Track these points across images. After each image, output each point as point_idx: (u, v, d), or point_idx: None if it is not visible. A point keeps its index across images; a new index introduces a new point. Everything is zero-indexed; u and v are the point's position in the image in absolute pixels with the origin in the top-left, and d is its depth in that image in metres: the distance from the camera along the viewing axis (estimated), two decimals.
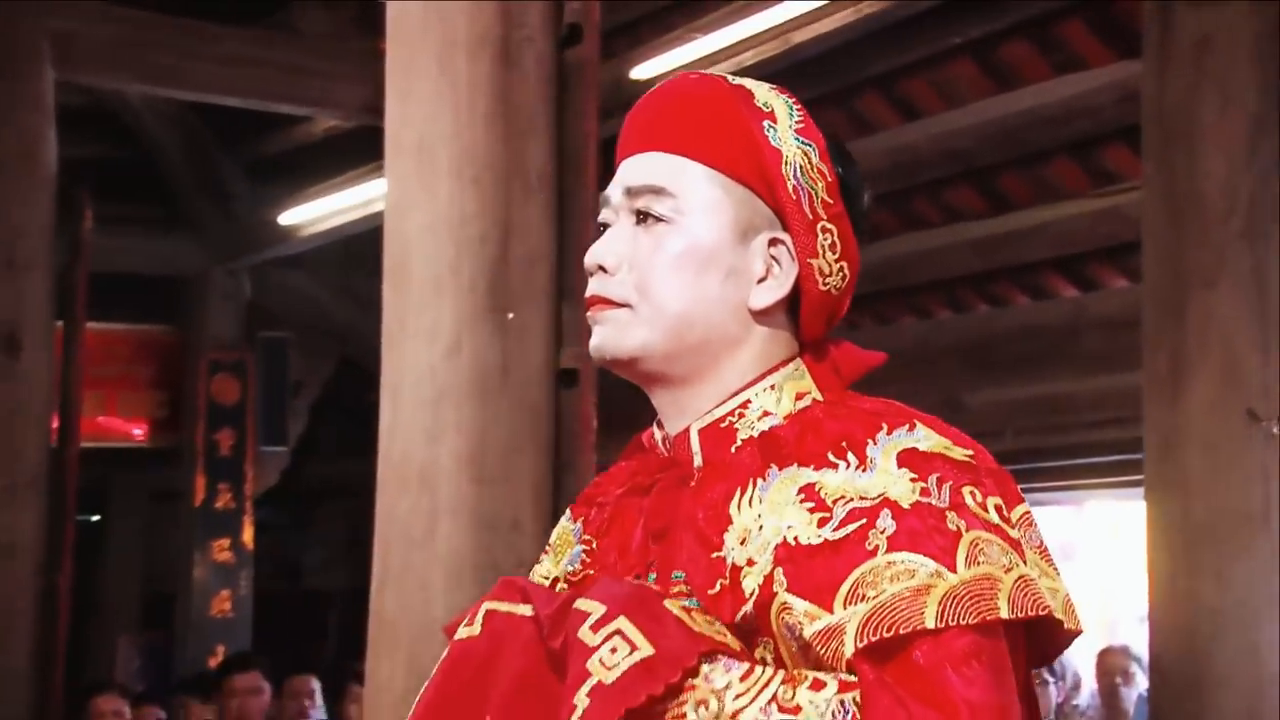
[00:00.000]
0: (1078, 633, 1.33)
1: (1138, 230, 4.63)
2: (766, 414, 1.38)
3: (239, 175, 8.73)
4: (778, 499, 1.31)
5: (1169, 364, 4.20)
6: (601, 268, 1.39)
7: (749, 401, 1.38)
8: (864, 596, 1.22)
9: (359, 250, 7.65)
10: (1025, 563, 1.26)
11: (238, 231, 8.74)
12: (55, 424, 6.25)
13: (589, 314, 1.41)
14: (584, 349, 3.25)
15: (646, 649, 1.22)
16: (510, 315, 3.02)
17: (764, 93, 1.42)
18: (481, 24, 3.07)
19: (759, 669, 1.23)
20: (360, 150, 6.70)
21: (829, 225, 1.40)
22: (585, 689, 1.21)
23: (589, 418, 3.15)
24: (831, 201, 1.40)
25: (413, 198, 3.11)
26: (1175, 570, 4.12)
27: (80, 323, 6.77)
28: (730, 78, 1.44)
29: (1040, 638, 1.32)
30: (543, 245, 3.11)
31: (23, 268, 5.82)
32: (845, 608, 1.22)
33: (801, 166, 1.39)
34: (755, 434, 1.36)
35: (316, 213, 7.99)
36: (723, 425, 1.38)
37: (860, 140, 6.20)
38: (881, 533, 1.24)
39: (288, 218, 8.19)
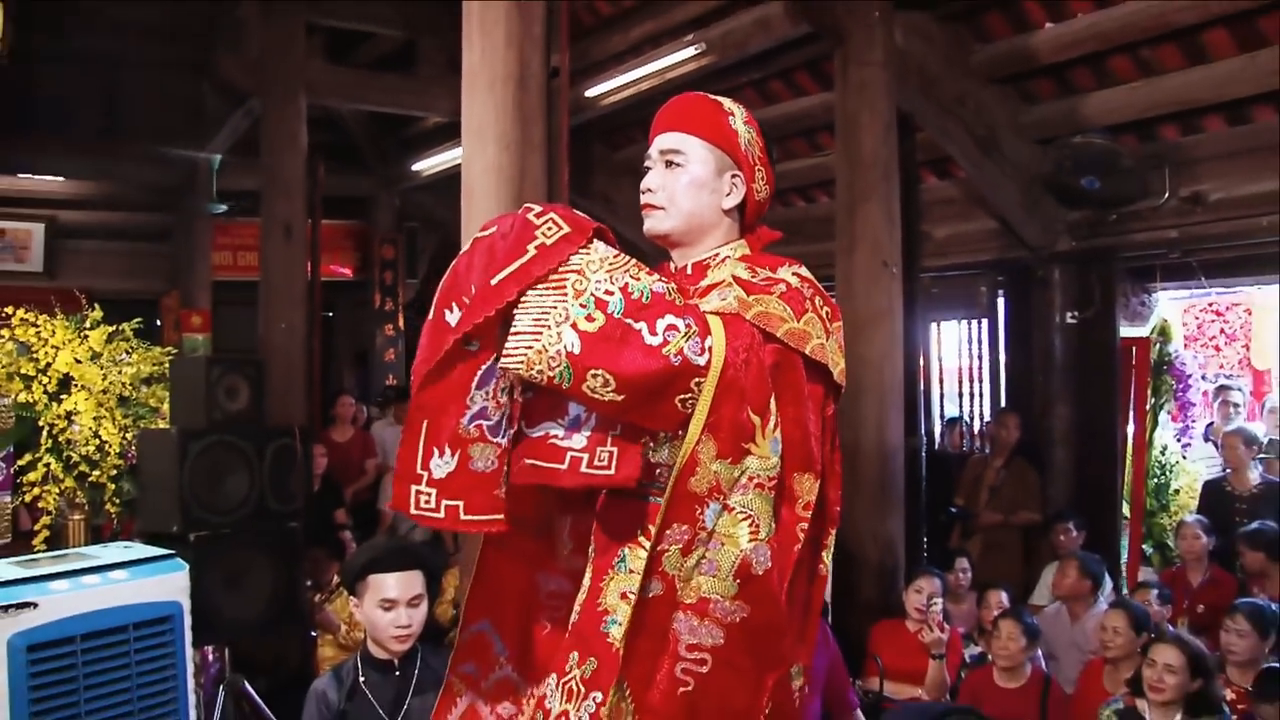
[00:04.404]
0: (841, 388, 1.43)
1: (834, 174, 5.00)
2: (725, 259, 1.48)
3: (395, 144, 9.12)
4: (730, 264, 1.44)
5: (847, 241, 4.77)
6: (649, 189, 1.45)
7: (718, 253, 1.48)
8: (760, 302, 1.32)
9: (457, 183, 7.24)
10: (827, 343, 1.38)
11: (395, 173, 9.15)
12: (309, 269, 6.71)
13: (643, 212, 1.45)
14: None
15: (568, 228, 1.25)
16: None
17: (728, 103, 1.49)
18: (509, 65, 3.11)
19: (624, 255, 1.26)
20: (451, 133, 7.30)
21: (760, 169, 1.48)
22: (534, 244, 1.23)
23: None
24: (762, 156, 1.49)
25: (475, 158, 3.17)
26: (848, 350, 3.99)
27: (318, 220, 7.41)
28: (710, 95, 1.51)
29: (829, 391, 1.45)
30: (541, 190, 3.23)
31: (292, 196, 6.28)
32: (750, 300, 1.28)
33: (748, 139, 1.47)
34: (721, 266, 1.46)
35: (433, 163, 8.47)
36: (703, 262, 1.48)
37: None
38: (779, 290, 1.35)
39: (419, 165, 8.70)
